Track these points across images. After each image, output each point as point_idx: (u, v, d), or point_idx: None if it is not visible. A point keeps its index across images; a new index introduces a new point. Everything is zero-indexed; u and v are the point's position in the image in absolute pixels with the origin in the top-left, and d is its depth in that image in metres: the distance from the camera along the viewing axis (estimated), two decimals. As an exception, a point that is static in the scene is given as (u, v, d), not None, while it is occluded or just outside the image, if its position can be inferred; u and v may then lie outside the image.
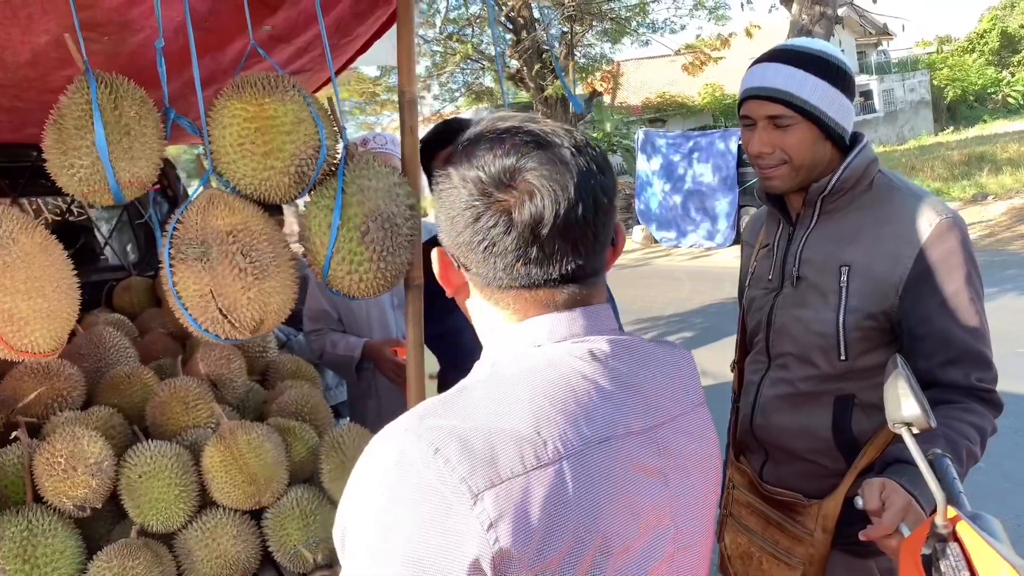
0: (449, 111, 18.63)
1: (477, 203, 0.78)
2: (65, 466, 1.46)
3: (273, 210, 2.78)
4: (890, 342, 1.48)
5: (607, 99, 20.89)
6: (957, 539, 0.97)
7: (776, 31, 10.34)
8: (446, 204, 0.82)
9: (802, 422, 1.55)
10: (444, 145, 1.99)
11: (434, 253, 0.87)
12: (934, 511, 0.99)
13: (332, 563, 1.56)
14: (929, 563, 0.98)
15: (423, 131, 2.07)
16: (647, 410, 0.82)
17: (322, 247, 1.37)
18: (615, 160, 17.70)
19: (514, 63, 15.27)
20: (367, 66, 13.68)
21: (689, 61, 18.17)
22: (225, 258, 1.26)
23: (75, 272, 1.36)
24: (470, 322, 0.91)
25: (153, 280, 2.79)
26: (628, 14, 17.02)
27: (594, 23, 16.41)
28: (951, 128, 28.62)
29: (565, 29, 16.03)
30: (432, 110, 18.77)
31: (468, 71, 17.71)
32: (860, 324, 1.46)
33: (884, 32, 30.39)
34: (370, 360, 2.53)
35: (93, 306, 2.70)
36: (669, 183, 13.85)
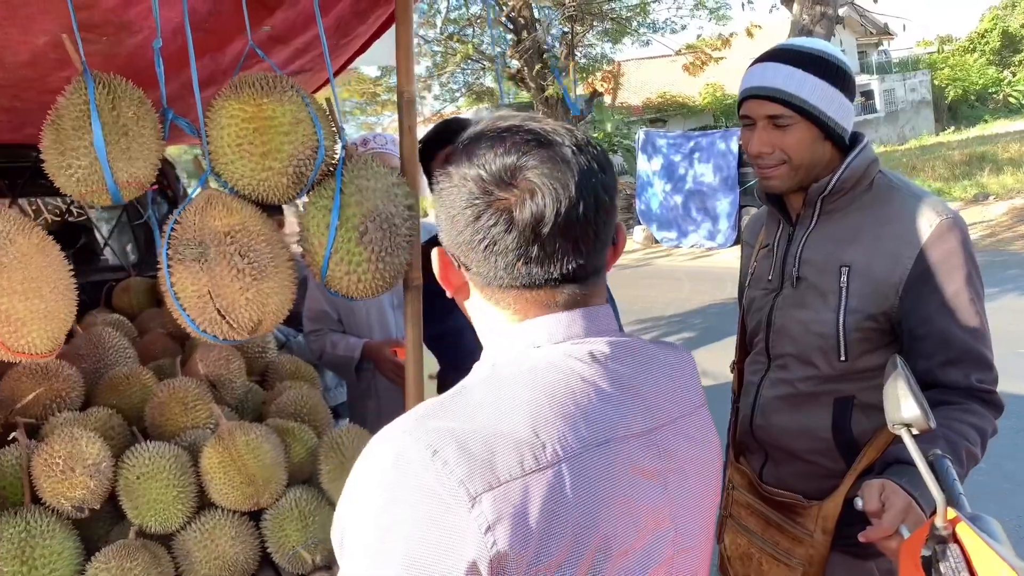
0: (450, 111, 18.63)
1: (478, 201, 0.78)
2: (63, 467, 1.45)
3: (273, 210, 2.78)
4: (890, 343, 1.48)
5: (608, 99, 20.90)
6: (957, 541, 0.96)
7: (777, 31, 10.33)
8: (446, 203, 0.82)
9: (802, 423, 1.54)
10: (444, 145, 1.99)
11: (434, 253, 0.87)
12: (934, 512, 0.99)
13: (331, 564, 1.56)
14: (929, 565, 0.98)
15: (424, 131, 2.07)
16: (647, 412, 0.82)
17: (320, 247, 1.36)
18: (616, 160, 17.70)
19: (515, 63, 15.28)
20: (367, 66, 13.69)
21: (690, 61, 18.17)
22: (223, 259, 1.26)
23: (74, 272, 1.35)
24: (470, 322, 0.91)
25: (153, 280, 2.79)
26: (629, 14, 17.02)
27: (595, 23, 16.41)
28: (952, 128, 28.60)
29: (566, 29, 16.03)
30: (433, 110, 18.78)
31: (469, 71, 17.72)
32: (860, 325, 1.46)
33: (885, 32, 30.36)
34: (370, 360, 2.52)
35: (93, 306, 2.70)
36: (670, 183, 13.84)
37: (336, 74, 2.53)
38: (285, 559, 1.57)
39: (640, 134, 14.91)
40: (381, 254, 1.37)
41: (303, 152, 1.35)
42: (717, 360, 4.35)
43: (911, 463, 1.05)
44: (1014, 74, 33.23)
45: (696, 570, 0.87)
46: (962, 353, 1.40)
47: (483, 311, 0.85)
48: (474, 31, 15.46)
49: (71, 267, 1.36)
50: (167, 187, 3.16)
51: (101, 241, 3.52)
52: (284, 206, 2.95)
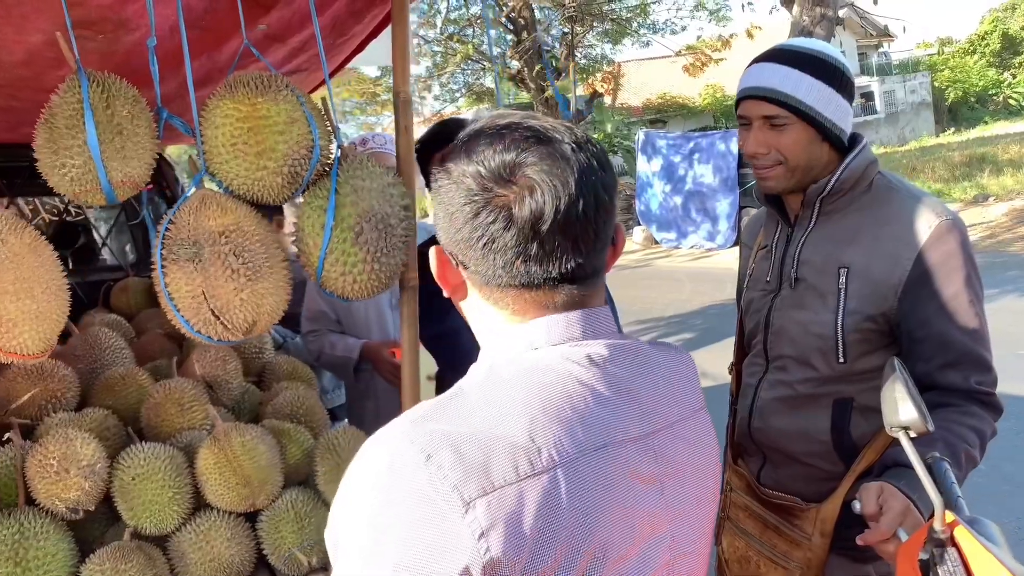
0: (450, 111, 18.64)
1: (476, 198, 0.77)
2: (58, 468, 1.45)
3: (274, 210, 2.77)
4: (889, 344, 1.47)
5: (608, 100, 20.91)
6: (955, 544, 0.96)
7: (777, 32, 10.33)
8: (444, 200, 0.81)
9: (800, 425, 1.54)
10: (441, 146, 1.97)
11: (432, 251, 0.86)
12: (932, 516, 0.98)
13: (327, 566, 1.55)
14: (927, 568, 0.97)
15: (423, 131, 2.07)
16: (644, 416, 0.81)
17: (315, 248, 1.36)
18: (616, 161, 17.70)
19: (515, 64, 15.29)
20: (367, 66, 13.69)
21: (690, 62, 18.19)
22: (217, 259, 1.25)
23: (72, 272, 1.35)
24: (467, 323, 0.90)
25: (151, 281, 2.77)
26: (629, 15, 17.04)
27: (595, 24, 16.42)
28: (952, 129, 28.63)
29: (566, 30, 16.04)
30: (433, 110, 18.79)
31: (469, 71, 17.72)
32: (859, 326, 1.45)
33: (885, 34, 30.38)
34: (368, 361, 2.52)
35: (91, 307, 2.69)
36: (670, 184, 13.84)
37: (333, 73, 2.53)
38: (281, 561, 1.57)
39: (640, 135, 14.91)
40: (377, 255, 1.36)
41: (298, 152, 1.34)
42: (717, 361, 4.34)
43: (909, 466, 1.05)
44: (1014, 76, 33.26)
45: (694, 574, 0.87)
46: (961, 355, 1.39)
47: (481, 311, 0.84)
48: (474, 31, 15.48)
49: (69, 267, 1.35)
50: (166, 187, 3.15)
51: (99, 241, 3.51)
52: (285, 206, 2.95)
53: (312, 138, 1.37)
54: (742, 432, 1.66)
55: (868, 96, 28.40)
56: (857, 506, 1.21)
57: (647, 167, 14.26)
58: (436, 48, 16.28)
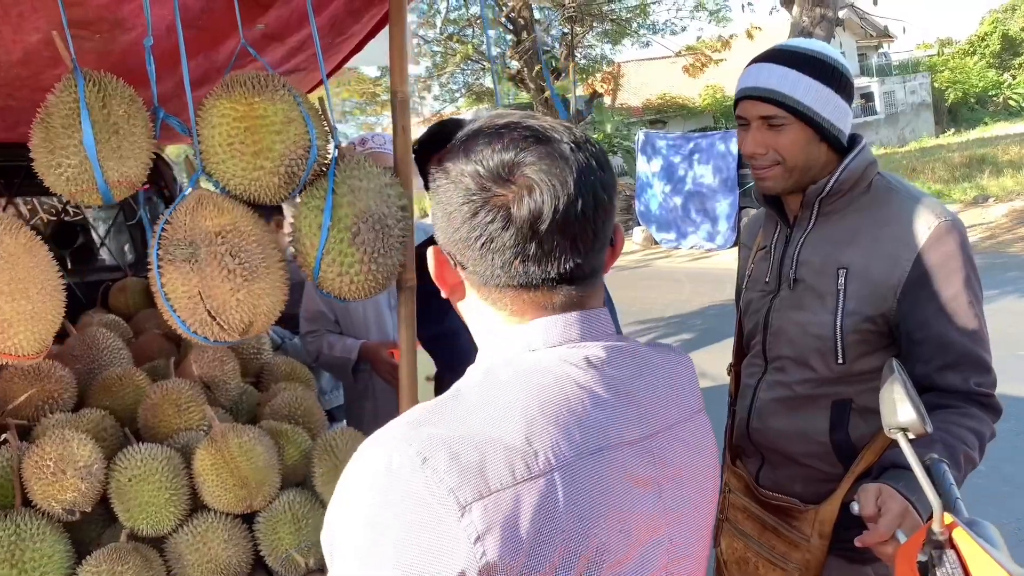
0: (449, 111, 18.65)
1: (475, 198, 0.76)
2: (54, 469, 1.44)
3: (274, 210, 2.77)
4: (888, 345, 1.47)
5: (608, 100, 20.92)
6: (954, 546, 0.96)
7: (777, 33, 10.34)
8: (443, 200, 0.80)
9: (799, 426, 1.53)
10: (440, 146, 1.96)
11: (430, 251, 0.85)
12: (930, 517, 0.98)
13: (324, 567, 1.55)
14: (926, 570, 0.97)
15: (423, 131, 2.06)
16: (642, 418, 0.80)
17: (312, 248, 1.35)
18: (615, 161, 17.70)
19: (514, 64, 15.29)
20: (367, 66, 13.70)
21: (690, 62, 18.20)
22: (213, 259, 1.25)
23: (71, 272, 1.34)
24: (466, 324, 0.89)
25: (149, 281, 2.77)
26: (629, 15, 17.05)
27: (594, 24, 16.43)
28: (952, 130, 28.64)
29: (566, 30, 16.05)
30: (432, 111, 18.80)
31: (468, 71, 17.73)
32: (858, 327, 1.45)
33: (885, 34, 30.40)
34: (367, 362, 2.52)
35: (89, 307, 2.68)
36: (669, 184, 13.84)
37: (332, 73, 2.52)
38: (278, 562, 1.56)
39: (640, 135, 14.91)
40: (374, 255, 1.36)
41: (295, 151, 1.34)
42: (716, 362, 4.33)
43: (908, 467, 1.05)
44: (1014, 77, 33.28)
45: (692, 577, 0.86)
46: (960, 356, 1.39)
47: (479, 311, 0.84)
48: (474, 31, 15.48)
49: (67, 267, 1.35)
50: (164, 187, 3.15)
51: (98, 241, 3.50)
52: (284, 205, 2.94)
53: (309, 138, 1.36)
54: (741, 433, 1.66)
55: (868, 97, 28.41)
56: (855, 507, 1.21)
57: (647, 167, 14.26)
58: (436, 48, 16.29)
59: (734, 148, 12.54)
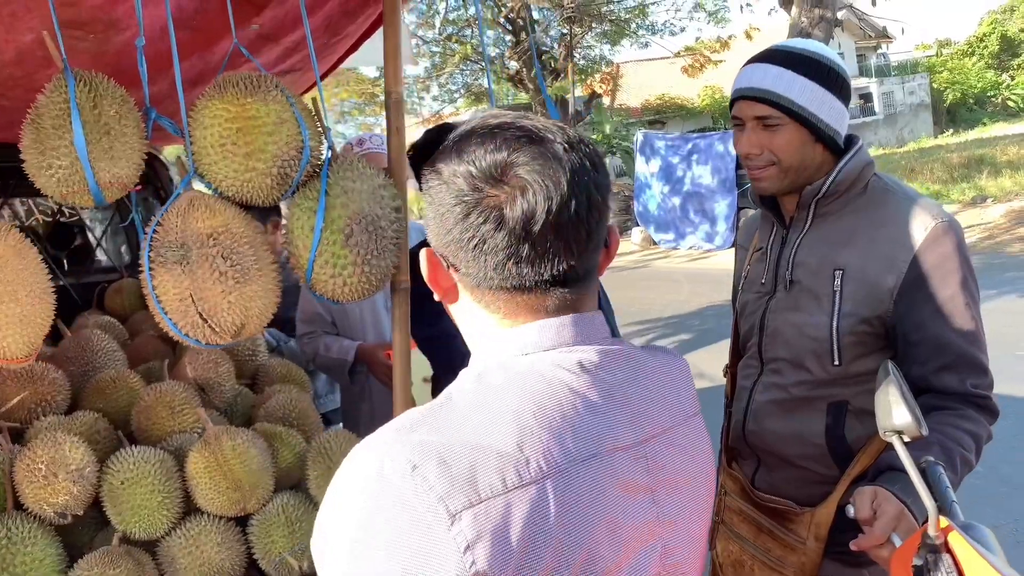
0: (448, 112, 18.64)
1: (467, 198, 0.75)
2: (46, 472, 1.43)
3: (271, 211, 2.76)
4: (884, 347, 1.46)
5: (606, 101, 20.92)
6: (949, 550, 0.95)
7: (776, 34, 10.35)
8: (435, 201, 0.79)
9: (795, 428, 1.53)
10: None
11: (422, 253, 0.84)
12: (926, 521, 0.97)
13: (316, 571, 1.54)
14: (921, 574, 0.97)
15: (422, 132, 2.05)
16: (636, 423, 0.79)
17: (305, 250, 1.34)
18: (614, 162, 17.72)
19: (513, 64, 15.29)
20: (366, 66, 13.69)
21: (689, 63, 18.21)
22: (205, 261, 1.24)
23: (67, 274, 1.33)
24: None
25: (145, 282, 2.76)
26: (627, 16, 17.07)
27: (593, 25, 16.44)
28: (951, 131, 28.67)
29: (565, 31, 16.06)
30: (431, 111, 18.79)
31: (467, 72, 17.73)
32: (854, 329, 1.44)
33: (884, 35, 30.41)
34: (363, 363, 2.51)
35: (85, 308, 2.68)
36: (668, 185, 13.84)
37: (328, 73, 2.52)
38: (272, 566, 1.55)
39: (638, 136, 14.92)
40: (367, 257, 1.35)
41: (287, 153, 1.33)
42: (714, 362, 4.33)
43: (904, 470, 1.04)
44: (1012, 78, 33.34)
45: (687, 583, 0.85)
46: (957, 358, 1.38)
47: (472, 314, 0.83)
48: (473, 32, 15.48)
49: (64, 268, 1.34)
50: (160, 188, 3.14)
51: (94, 242, 3.49)
52: (282, 206, 2.93)
53: (302, 139, 1.35)
54: (737, 435, 1.65)
55: (867, 97, 28.45)
56: (851, 510, 1.20)
57: (645, 168, 14.27)
58: (434, 49, 16.29)
59: (732, 149, 12.55)
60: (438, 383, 2.20)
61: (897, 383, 1.07)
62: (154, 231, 1.29)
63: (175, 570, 1.50)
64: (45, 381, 1.74)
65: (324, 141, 1.44)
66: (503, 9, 14.49)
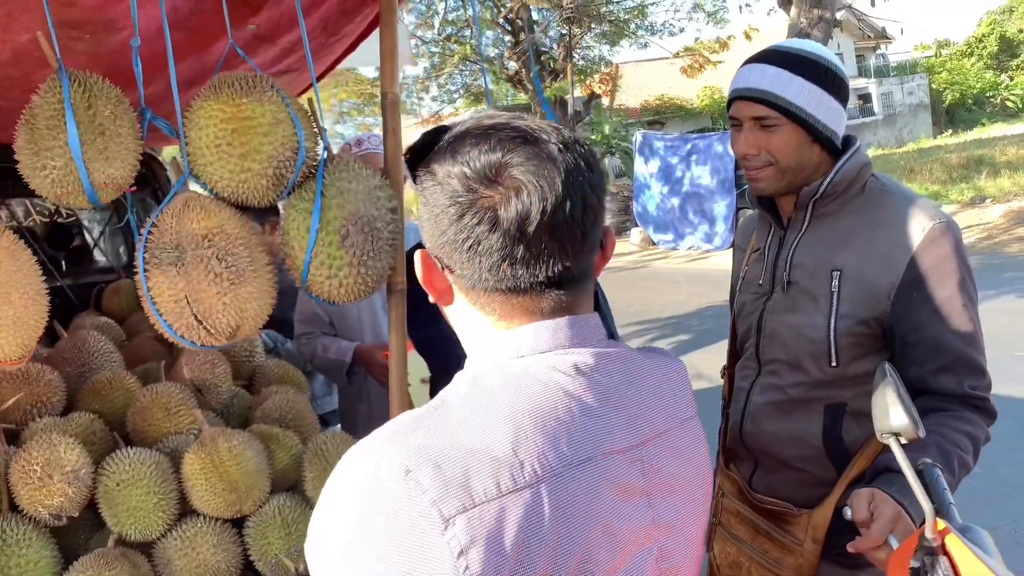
0: (447, 112, 18.64)
1: (461, 200, 0.75)
2: (41, 474, 1.43)
3: (270, 212, 2.75)
4: (882, 348, 1.46)
5: (606, 101, 20.93)
6: (946, 552, 0.95)
7: (775, 34, 10.36)
8: (429, 202, 0.79)
9: (792, 429, 1.52)
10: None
11: (417, 255, 0.84)
12: (923, 523, 0.97)
13: (313, 572, 1.54)
14: (918, 576, 0.96)
15: (422, 132, 2.05)
16: (633, 426, 0.79)
17: (301, 251, 1.34)
18: (613, 163, 17.73)
19: (513, 65, 15.29)
20: (365, 67, 13.69)
21: (688, 64, 18.22)
22: (200, 263, 1.24)
23: (64, 274, 1.33)
24: None
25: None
26: (627, 16, 17.07)
27: (593, 25, 16.44)
28: (949, 131, 28.70)
29: (564, 31, 16.06)
30: (430, 111, 18.79)
31: (467, 72, 17.72)
32: (851, 330, 1.44)
33: (883, 36, 30.42)
34: (361, 364, 2.50)
35: (83, 309, 2.67)
36: (667, 185, 13.85)
37: (327, 73, 2.51)
38: (268, 567, 1.55)
39: (638, 136, 14.92)
40: (363, 258, 1.34)
41: (283, 153, 1.33)
42: (713, 363, 4.32)
43: (901, 472, 1.04)
44: (1011, 78, 33.37)
45: (683, 586, 0.85)
46: (954, 359, 1.38)
47: (468, 316, 0.83)
48: (472, 32, 15.48)
49: (62, 269, 1.34)
50: (158, 188, 3.13)
51: (91, 243, 3.49)
52: (279, 206, 2.92)
53: (297, 139, 1.35)
54: (734, 436, 1.64)
55: (866, 98, 28.47)
56: (848, 512, 1.20)
57: (645, 169, 14.27)
58: (434, 49, 16.28)
59: (731, 149, 12.56)
60: (436, 384, 2.20)
61: (894, 385, 1.07)
62: (149, 232, 1.29)
63: (171, 572, 1.50)
64: (41, 382, 1.74)
65: (320, 142, 1.44)
66: (502, 9, 14.49)
